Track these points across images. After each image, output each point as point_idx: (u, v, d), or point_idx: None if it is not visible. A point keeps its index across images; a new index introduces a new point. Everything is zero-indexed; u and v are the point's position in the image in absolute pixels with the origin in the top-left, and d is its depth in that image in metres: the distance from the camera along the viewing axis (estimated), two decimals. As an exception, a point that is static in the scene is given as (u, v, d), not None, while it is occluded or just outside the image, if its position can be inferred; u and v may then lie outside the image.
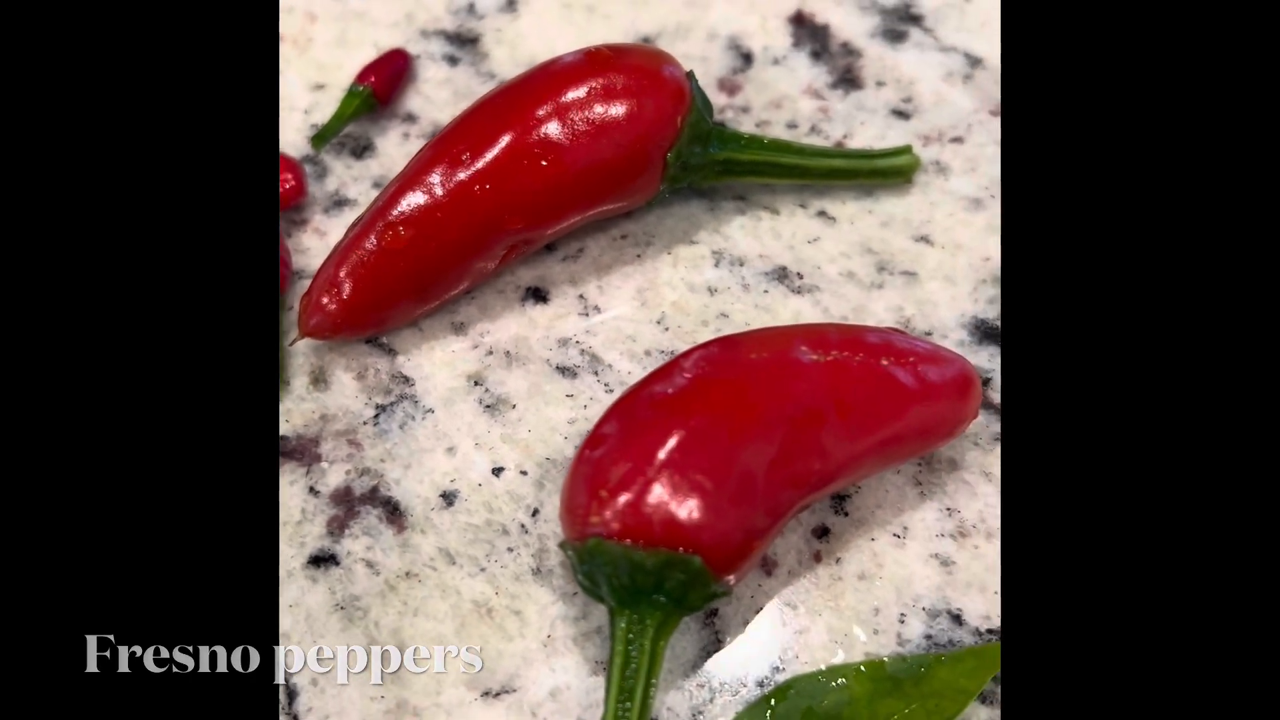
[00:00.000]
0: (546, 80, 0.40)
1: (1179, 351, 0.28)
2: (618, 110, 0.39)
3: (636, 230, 0.45)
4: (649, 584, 0.32)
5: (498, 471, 0.39)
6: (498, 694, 0.35)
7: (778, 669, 0.35)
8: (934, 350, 0.37)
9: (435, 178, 0.39)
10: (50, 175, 0.28)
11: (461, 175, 0.39)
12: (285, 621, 0.36)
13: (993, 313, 0.42)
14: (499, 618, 0.37)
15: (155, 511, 0.28)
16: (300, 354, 0.42)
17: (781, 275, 0.43)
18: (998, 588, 0.37)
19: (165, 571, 0.28)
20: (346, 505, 0.39)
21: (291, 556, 0.38)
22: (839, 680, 0.35)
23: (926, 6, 0.51)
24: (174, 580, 0.28)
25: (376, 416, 0.41)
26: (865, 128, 0.47)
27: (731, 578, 0.33)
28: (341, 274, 0.40)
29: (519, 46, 0.50)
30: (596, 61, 0.40)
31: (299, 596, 0.37)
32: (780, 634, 0.36)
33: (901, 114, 0.48)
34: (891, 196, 0.45)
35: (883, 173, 0.45)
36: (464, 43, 0.51)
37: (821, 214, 0.45)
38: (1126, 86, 0.29)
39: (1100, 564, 0.27)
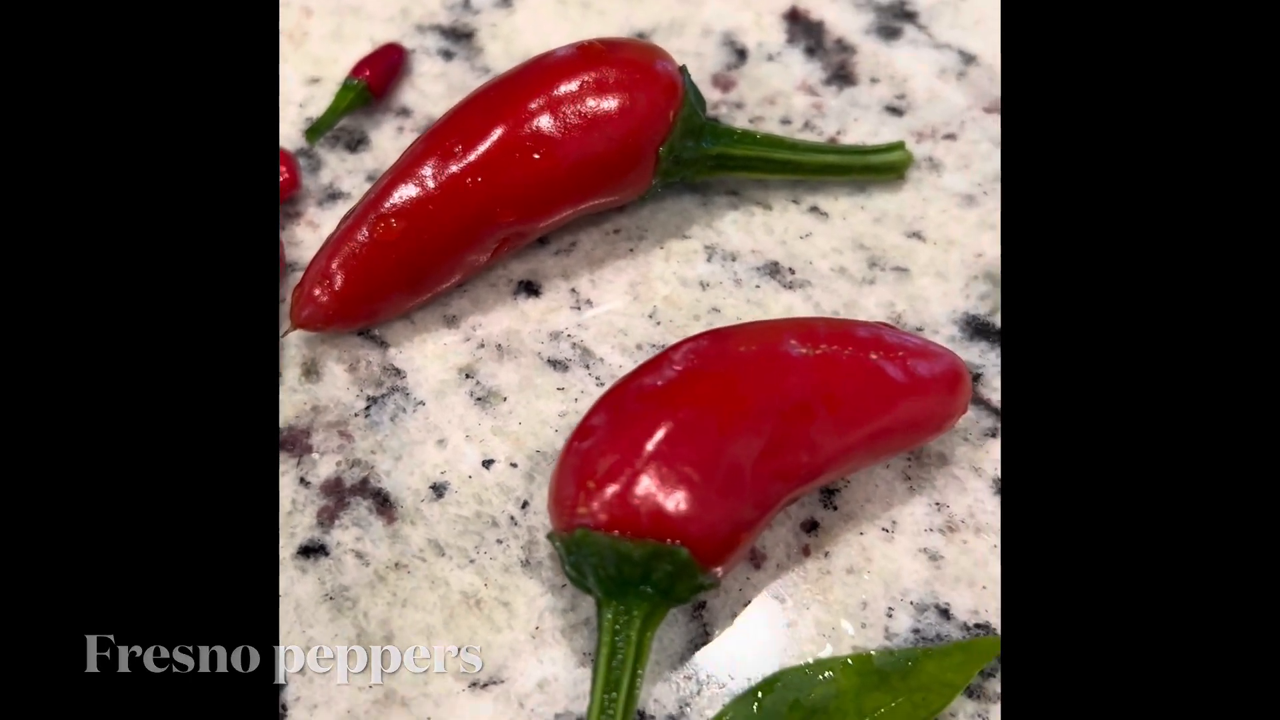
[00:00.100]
0: (539, 74, 0.40)
1: (1177, 348, 0.28)
2: (610, 104, 0.39)
3: (629, 224, 0.45)
4: (636, 575, 0.32)
5: (488, 464, 0.39)
6: (485, 685, 0.35)
7: (765, 662, 0.35)
8: (923, 345, 0.37)
9: (427, 170, 0.39)
10: (51, 170, 0.29)
11: (454, 168, 0.39)
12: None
13: (984, 309, 0.42)
14: (487, 609, 0.37)
15: (154, 510, 0.28)
16: (292, 345, 0.42)
17: (773, 270, 0.43)
18: (986, 582, 0.37)
19: (165, 571, 0.28)
20: (337, 496, 0.39)
21: (281, 547, 0.38)
22: (826, 673, 0.35)
23: (921, 4, 0.51)
24: (174, 580, 0.28)
25: (368, 408, 0.41)
26: (859, 124, 0.47)
27: (719, 570, 0.33)
28: (333, 266, 0.40)
29: (514, 41, 0.50)
30: (589, 55, 0.40)
31: (288, 587, 0.37)
32: (768, 627, 0.36)
33: (895, 110, 0.48)
34: (884, 192, 0.45)
35: (875, 169, 0.45)
36: (459, 37, 0.51)
37: (814, 209, 0.45)
38: (1125, 83, 0.29)
39: (1099, 559, 0.27)
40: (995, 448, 0.39)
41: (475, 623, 0.36)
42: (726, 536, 0.33)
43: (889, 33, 0.50)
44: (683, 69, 0.42)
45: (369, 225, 0.39)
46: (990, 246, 0.44)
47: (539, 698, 0.35)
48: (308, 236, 0.45)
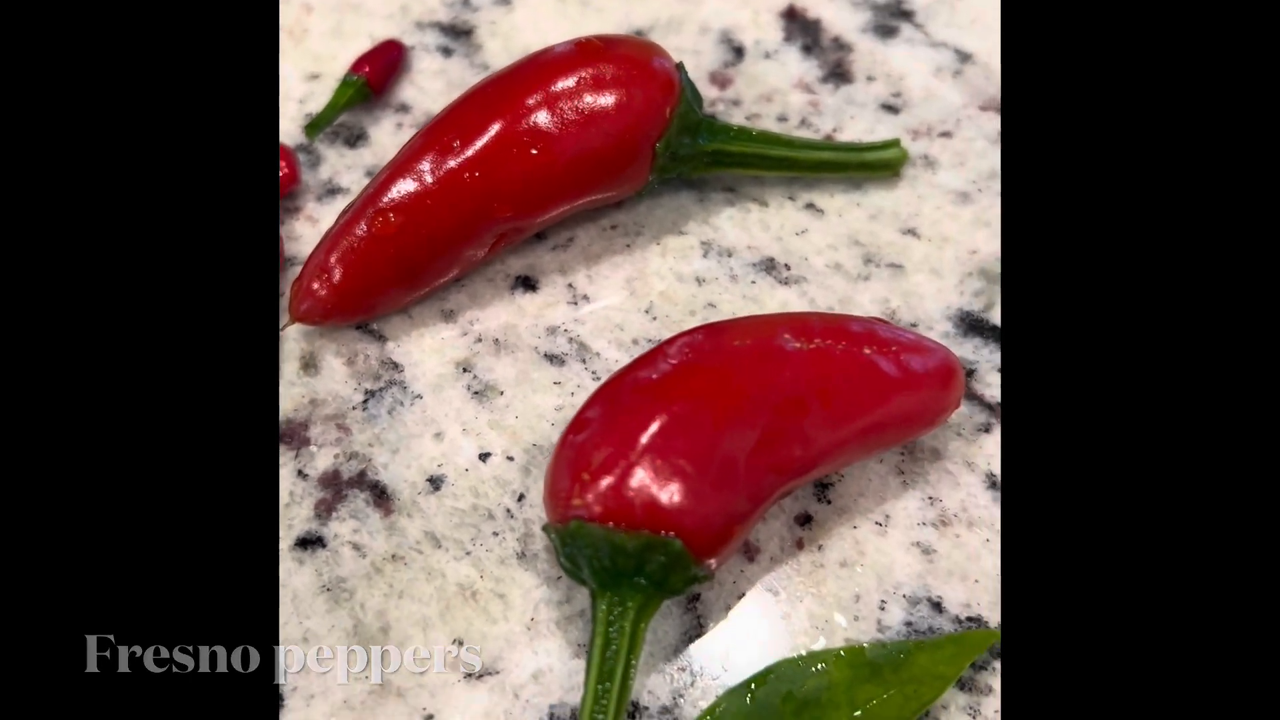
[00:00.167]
0: (537, 70, 0.41)
1: (1176, 343, 0.28)
2: (607, 100, 0.40)
3: (626, 220, 0.45)
4: (630, 566, 0.32)
5: (484, 457, 0.40)
6: (480, 675, 0.36)
7: (759, 654, 0.36)
8: (917, 340, 0.37)
9: (425, 165, 0.40)
10: (54, 166, 0.29)
11: (451, 163, 0.39)
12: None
13: (978, 305, 0.42)
14: (483, 601, 0.37)
15: (154, 507, 0.28)
16: (291, 339, 0.42)
17: (769, 266, 0.44)
18: (978, 576, 0.37)
19: (165, 570, 0.28)
20: (334, 488, 0.39)
21: (279, 538, 0.38)
22: (819, 665, 0.35)
23: (917, 2, 0.51)
24: (174, 578, 0.28)
25: (365, 402, 0.41)
26: (855, 122, 0.47)
27: (712, 562, 0.33)
28: (332, 260, 0.40)
29: (513, 39, 0.51)
30: (587, 52, 0.41)
31: (286, 578, 0.37)
32: (762, 620, 0.37)
33: (891, 108, 0.48)
34: (879, 190, 0.46)
35: (871, 166, 0.45)
36: (458, 34, 0.51)
37: (810, 206, 0.45)
38: (1124, 80, 0.29)
39: (1098, 554, 0.27)
40: (989, 443, 0.40)
41: (471, 614, 0.37)
42: (720, 528, 0.33)
43: (885, 31, 0.50)
44: (679, 66, 0.42)
45: (367, 220, 0.40)
46: (985, 243, 0.44)
47: (534, 688, 0.35)
48: (307, 231, 0.45)
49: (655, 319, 0.43)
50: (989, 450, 0.39)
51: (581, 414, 0.35)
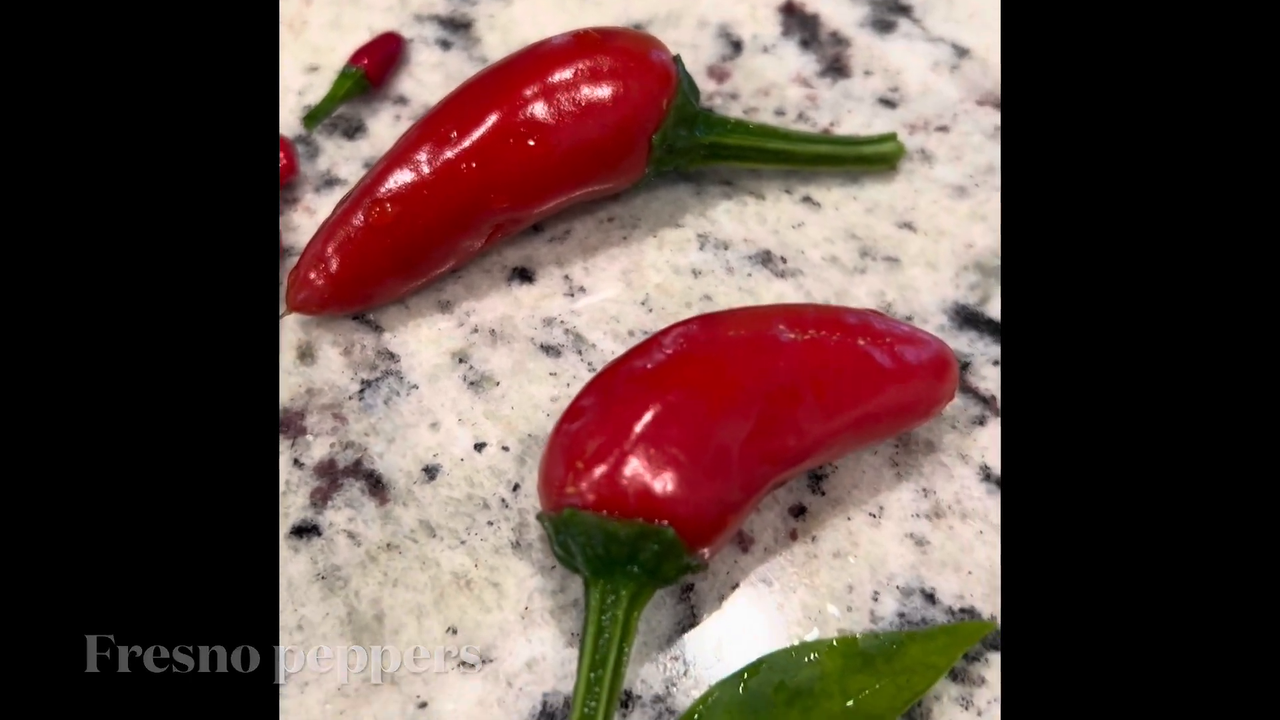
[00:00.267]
0: (534, 61, 0.41)
1: (1175, 337, 0.28)
2: (604, 92, 0.40)
3: (623, 213, 0.45)
4: (623, 554, 0.32)
5: (480, 447, 0.40)
6: (474, 664, 0.36)
7: (752, 644, 0.36)
8: (911, 332, 0.37)
9: (422, 156, 0.40)
10: (55, 159, 0.29)
11: (448, 154, 0.40)
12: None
13: (973, 298, 0.42)
14: (477, 589, 0.37)
15: (154, 505, 0.28)
16: (288, 329, 0.42)
17: (765, 259, 0.44)
18: (971, 568, 0.37)
19: (164, 568, 0.28)
20: (330, 477, 0.39)
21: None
22: (812, 656, 0.35)
23: (916, -2, 0.51)
24: (173, 577, 0.28)
25: (362, 391, 0.41)
26: (852, 116, 0.48)
27: (706, 551, 0.33)
28: (329, 250, 0.40)
29: (511, 32, 0.51)
30: (584, 43, 0.41)
31: (281, 566, 0.37)
32: (755, 610, 0.37)
33: (888, 103, 0.48)
34: (876, 183, 0.46)
35: (868, 159, 0.45)
36: (457, 27, 0.51)
37: (806, 199, 0.45)
38: (1123, 76, 0.29)
39: (1097, 548, 0.28)
40: (983, 435, 0.40)
41: (465, 603, 0.37)
42: (713, 518, 0.33)
43: (883, 26, 0.50)
44: (677, 58, 0.42)
45: (364, 210, 0.40)
46: (981, 237, 0.44)
47: (527, 677, 0.35)
48: (304, 222, 0.45)
49: (651, 311, 0.43)
50: (983, 443, 0.39)
51: (576, 403, 0.35)
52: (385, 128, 0.48)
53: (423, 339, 0.42)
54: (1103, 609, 0.27)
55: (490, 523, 0.38)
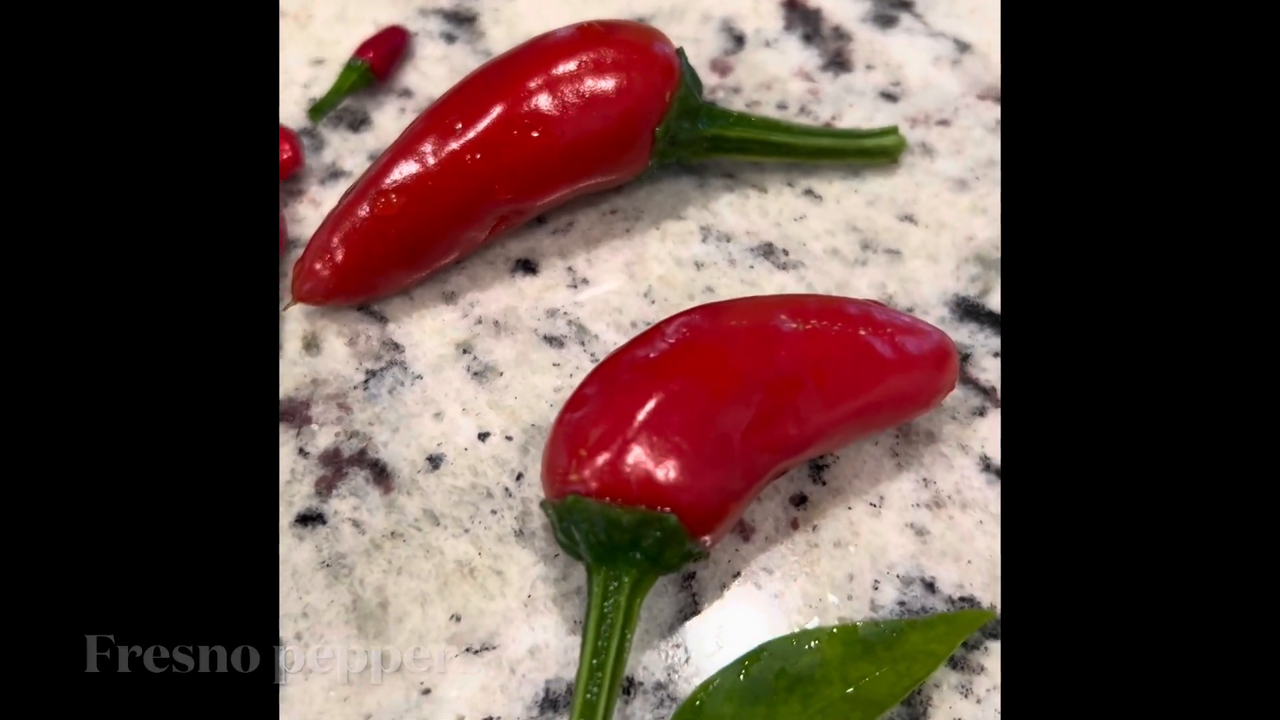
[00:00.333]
0: (538, 53, 0.41)
1: (1174, 329, 0.28)
2: (607, 84, 0.40)
3: (626, 205, 0.45)
4: (625, 541, 0.33)
5: (483, 436, 0.40)
6: (478, 651, 0.36)
7: (753, 632, 0.36)
8: (912, 322, 0.37)
9: (427, 147, 0.40)
10: (55, 152, 0.29)
11: (453, 145, 0.40)
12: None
13: (974, 290, 0.43)
14: (481, 577, 0.37)
15: (154, 503, 0.28)
16: (293, 319, 0.43)
17: (767, 251, 0.44)
18: (971, 557, 0.37)
19: (164, 569, 0.28)
20: (335, 466, 0.39)
21: (279, 515, 0.38)
22: (812, 643, 0.35)
23: (918, -7, 0.51)
24: (173, 577, 0.28)
25: (366, 381, 0.41)
26: (854, 109, 0.48)
27: (707, 539, 0.34)
28: (334, 241, 0.40)
29: (516, 25, 0.51)
30: (588, 36, 0.41)
31: (286, 554, 0.38)
32: (756, 598, 0.37)
33: (890, 97, 0.48)
34: (878, 176, 0.46)
35: (869, 153, 0.45)
36: (461, 21, 0.51)
37: (808, 192, 0.46)
38: (1123, 73, 0.30)
39: (1096, 537, 0.28)
40: (983, 426, 0.40)
41: (469, 591, 0.37)
42: (715, 505, 0.33)
43: (885, 21, 0.51)
44: (680, 51, 0.42)
45: (369, 201, 0.40)
46: (981, 230, 0.44)
47: (530, 664, 0.36)
48: (310, 214, 0.45)
49: (654, 303, 0.43)
50: (983, 433, 0.40)
51: (579, 392, 0.35)
52: (390, 120, 0.48)
53: (427, 330, 0.42)
54: (1102, 598, 0.27)
55: (494, 511, 0.38)
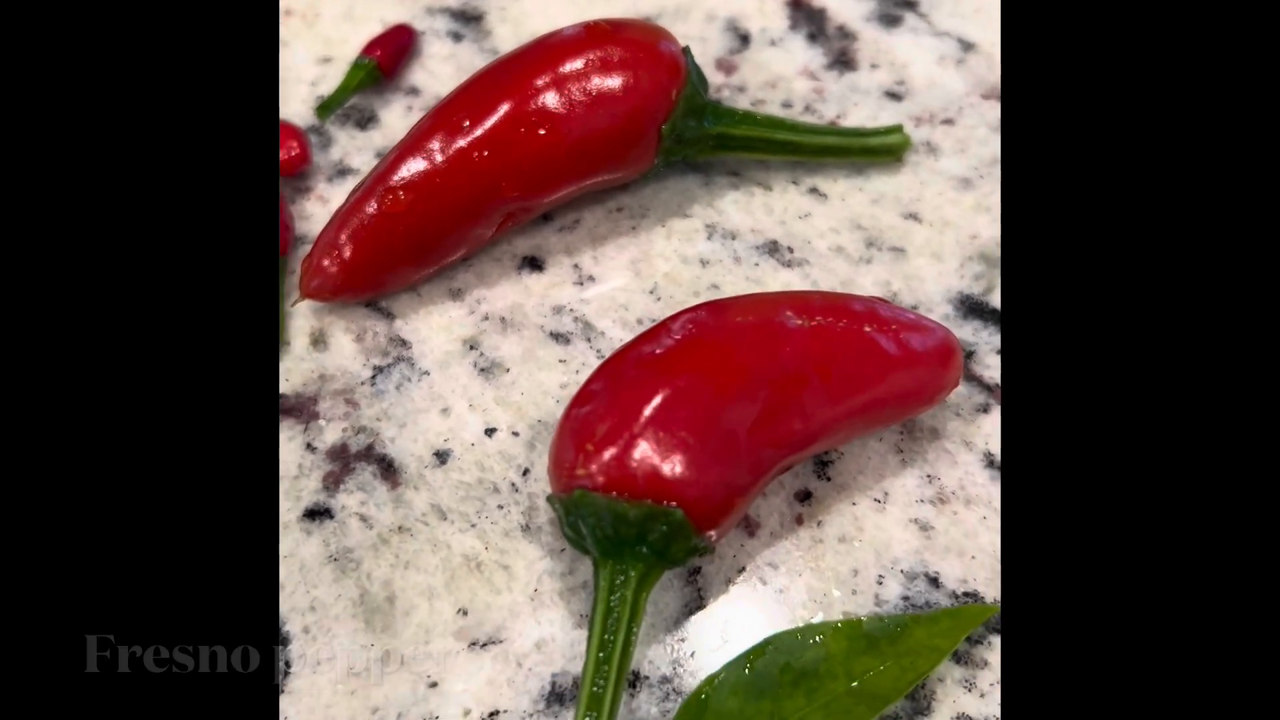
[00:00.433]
0: (545, 51, 0.41)
1: (1177, 330, 0.28)
2: (614, 82, 0.40)
3: (632, 203, 0.46)
4: (632, 535, 0.33)
5: (490, 432, 0.40)
6: (484, 644, 0.36)
7: (757, 627, 0.36)
8: (917, 319, 0.38)
9: (435, 144, 0.40)
10: (55, 148, 0.28)
11: (461, 142, 0.40)
12: (279, 571, 0.37)
13: (978, 288, 0.43)
14: (488, 572, 0.37)
15: (153, 504, 0.28)
16: (301, 315, 0.43)
17: (772, 249, 0.44)
18: (975, 552, 0.38)
19: (164, 568, 0.28)
20: (342, 461, 0.40)
21: (287, 510, 0.39)
22: (817, 638, 0.35)
23: (922, -8, 0.52)
24: (174, 577, 0.28)
25: (374, 377, 0.42)
26: (858, 109, 0.48)
27: (713, 533, 0.34)
28: (342, 237, 0.41)
29: (522, 24, 0.51)
30: (595, 34, 0.41)
31: (293, 548, 0.38)
32: (761, 593, 0.37)
33: (894, 96, 0.48)
34: (882, 175, 0.46)
35: (874, 151, 0.45)
36: (468, 20, 0.52)
37: (813, 190, 0.46)
38: (1123, 72, 0.30)
39: (1097, 533, 0.28)
40: (987, 423, 0.40)
41: (476, 585, 0.37)
42: (721, 500, 0.33)
43: (890, 20, 0.51)
44: (686, 49, 0.42)
45: (377, 197, 0.40)
46: (985, 228, 0.44)
47: (536, 657, 0.36)
48: (317, 211, 0.46)
49: (659, 300, 0.43)
50: (987, 430, 0.40)
51: (586, 387, 0.35)
52: (397, 118, 0.48)
53: (434, 326, 0.43)
54: (1102, 593, 0.28)
55: (500, 506, 0.39)
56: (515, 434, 0.40)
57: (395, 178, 0.40)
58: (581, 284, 0.44)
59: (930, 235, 0.44)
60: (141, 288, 0.28)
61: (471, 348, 0.42)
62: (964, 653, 0.36)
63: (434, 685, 0.35)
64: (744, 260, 0.44)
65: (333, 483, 0.39)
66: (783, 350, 0.35)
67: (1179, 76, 0.29)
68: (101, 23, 0.29)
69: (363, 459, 0.40)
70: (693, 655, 0.36)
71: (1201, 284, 0.28)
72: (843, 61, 0.50)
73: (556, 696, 0.35)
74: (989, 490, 0.39)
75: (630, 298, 0.43)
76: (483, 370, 0.42)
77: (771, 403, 0.34)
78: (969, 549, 0.38)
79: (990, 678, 0.35)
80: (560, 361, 0.42)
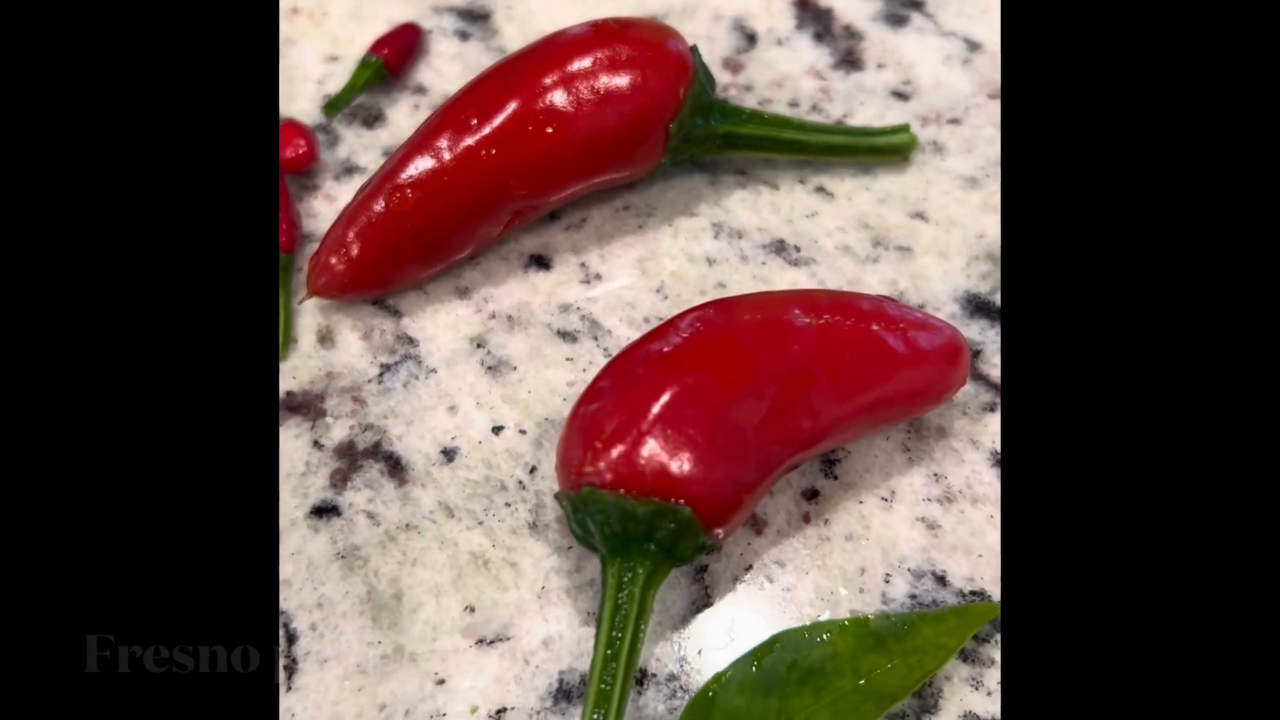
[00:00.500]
0: (553, 50, 0.41)
1: (1178, 330, 0.28)
2: (622, 80, 0.40)
3: (639, 201, 0.46)
4: (640, 532, 0.33)
5: (497, 430, 0.40)
6: (492, 642, 0.36)
7: (764, 625, 0.36)
8: (924, 318, 0.38)
9: (443, 142, 0.40)
10: (55, 145, 0.28)
11: (468, 141, 0.40)
12: (287, 569, 0.38)
13: (985, 287, 0.43)
14: (495, 569, 0.38)
15: (153, 504, 0.28)
16: (308, 313, 0.43)
17: (779, 248, 0.44)
18: (982, 551, 0.38)
19: (164, 568, 0.27)
20: (349, 459, 0.40)
21: (295, 507, 0.39)
22: (824, 635, 0.35)
23: (929, -8, 0.52)
24: (174, 576, 0.28)
25: (381, 375, 0.42)
26: (865, 108, 0.48)
27: (720, 531, 0.34)
28: (349, 235, 0.41)
29: (529, 23, 0.51)
30: (602, 33, 0.41)
31: (301, 545, 0.38)
32: (768, 591, 0.37)
33: (901, 95, 0.48)
34: (889, 174, 0.46)
35: (881, 150, 0.45)
36: (475, 18, 0.52)
37: (820, 189, 0.46)
38: (1124, 72, 0.30)
39: (1098, 530, 0.28)
40: (993, 421, 0.40)
41: (483, 582, 0.37)
42: (729, 498, 0.34)
43: (896, 20, 0.51)
44: (693, 48, 0.42)
45: (385, 195, 0.40)
46: (991, 228, 0.44)
47: (544, 655, 0.36)
48: (324, 209, 0.46)
49: (666, 298, 0.43)
50: (994, 429, 0.40)
51: (594, 385, 0.35)
52: (404, 117, 0.48)
53: (441, 324, 0.43)
54: (1104, 591, 0.28)
55: (508, 504, 0.39)
56: (522, 432, 0.40)
57: (402, 176, 0.40)
58: (588, 282, 0.44)
59: (937, 234, 0.44)
60: (141, 285, 0.28)
61: (479, 346, 0.42)
62: (971, 651, 0.36)
63: (441, 682, 0.36)
64: (751, 259, 0.44)
65: (340, 480, 0.39)
66: (790, 348, 0.35)
67: (1179, 76, 0.29)
68: (100, 20, 0.29)
69: (370, 456, 0.40)
70: (700, 653, 0.36)
71: (1202, 284, 0.28)
72: (849, 61, 0.50)
73: (564, 694, 0.35)
74: (995, 489, 0.39)
75: (637, 296, 0.43)
76: (490, 368, 0.42)
77: (779, 401, 0.34)
78: (975, 547, 0.38)
79: (997, 676, 0.35)
80: (567, 359, 0.42)
